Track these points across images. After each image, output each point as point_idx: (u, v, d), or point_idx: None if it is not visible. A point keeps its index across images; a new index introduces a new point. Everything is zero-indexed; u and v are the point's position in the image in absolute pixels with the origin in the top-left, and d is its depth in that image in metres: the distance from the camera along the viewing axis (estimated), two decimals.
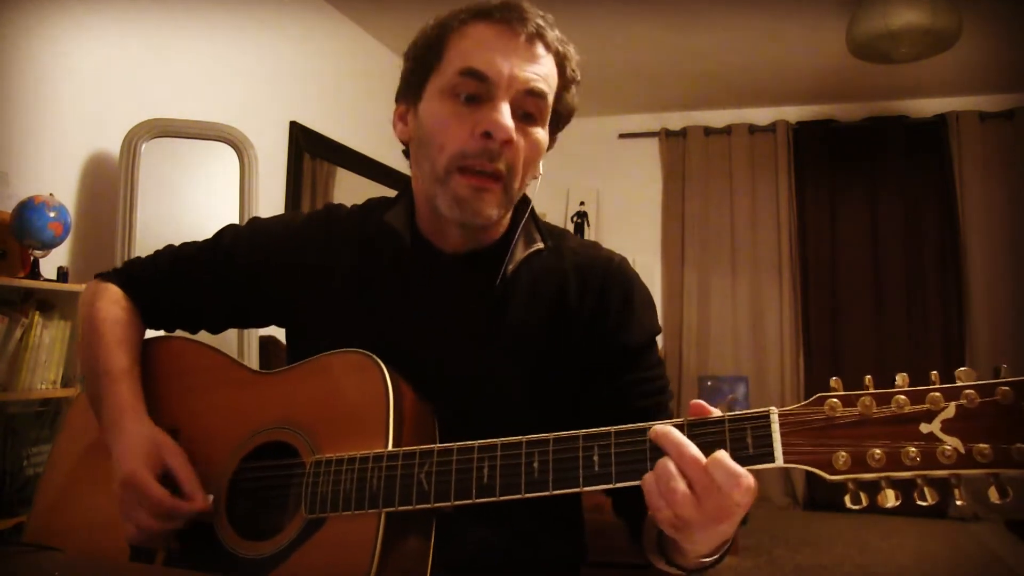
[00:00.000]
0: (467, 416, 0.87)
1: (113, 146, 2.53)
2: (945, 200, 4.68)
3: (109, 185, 2.52)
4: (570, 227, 5.18)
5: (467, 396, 0.91)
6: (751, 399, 4.75)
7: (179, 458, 0.91)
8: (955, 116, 4.67)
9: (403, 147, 1.00)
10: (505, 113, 0.87)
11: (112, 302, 1.05)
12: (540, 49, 0.90)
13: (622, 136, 5.29)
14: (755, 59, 4.26)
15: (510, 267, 0.95)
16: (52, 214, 2.17)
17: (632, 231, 5.18)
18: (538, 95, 0.90)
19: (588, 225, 5.24)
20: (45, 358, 2.16)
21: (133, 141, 2.51)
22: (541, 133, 0.92)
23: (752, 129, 5.05)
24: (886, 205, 4.81)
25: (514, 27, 0.89)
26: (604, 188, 5.29)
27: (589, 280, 0.98)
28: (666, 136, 5.19)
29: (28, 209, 2.14)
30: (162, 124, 2.59)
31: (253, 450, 0.91)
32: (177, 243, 1.12)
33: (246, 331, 2.72)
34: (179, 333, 1.12)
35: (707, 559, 0.80)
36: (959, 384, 0.63)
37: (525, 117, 0.90)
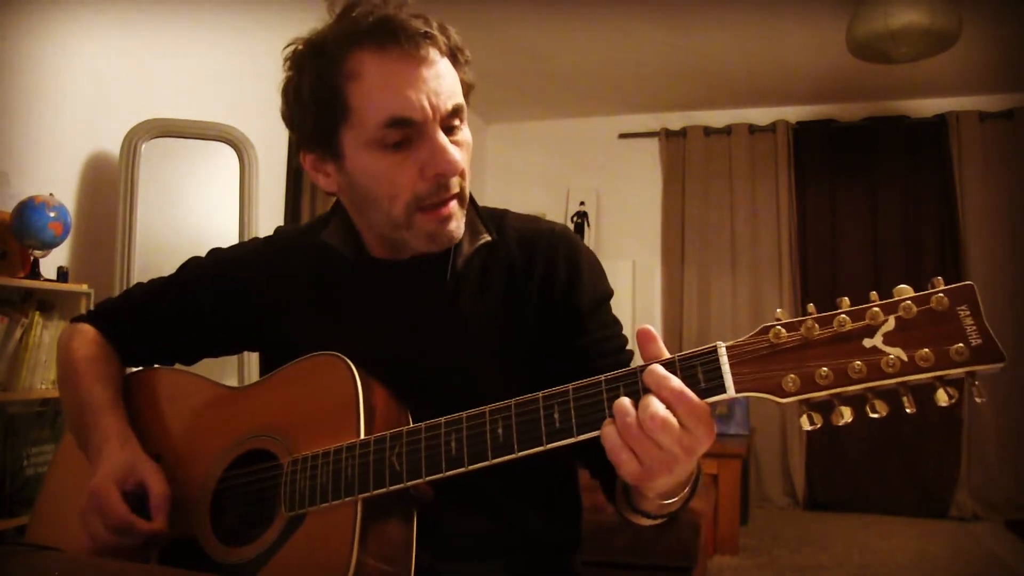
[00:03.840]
0: (439, 410, 0.88)
1: (113, 146, 2.53)
2: (945, 200, 4.68)
3: (109, 185, 2.52)
4: (570, 227, 5.18)
5: (437, 394, 0.91)
6: (750, 399, 4.75)
7: (155, 476, 0.91)
8: (955, 116, 4.67)
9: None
10: (449, 148, 0.86)
11: (88, 342, 1.07)
12: (434, 55, 0.87)
13: (622, 136, 5.29)
14: (755, 59, 4.26)
15: (459, 261, 0.96)
16: (52, 214, 2.17)
17: (632, 231, 5.18)
18: (459, 109, 0.89)
19: (588, 225, 5.24)
20: (45, 358, 2.16)
21: (133, 141, 2.51)
22: (467, 132, 0.92)
23: (752, 129, 5.05)
24: (886, 205, 4.80)
25: (407, 50, 0.84)
26: (604, 188, 5.29)
27: (534, 252, 0.98)
28: (666, 136, 5.19)
29: (28, 209, 2.14)
30: (162, 124, 2.59)
31: (234, 461, 0.92)
32: (170, 252, 1.14)
33: None
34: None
35: (669, 500, 0.82)
36: (897, 299, 0.65)
37: (450, 130, 0.89)
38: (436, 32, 0.88)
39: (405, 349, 0.94)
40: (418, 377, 0.92)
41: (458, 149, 0.88)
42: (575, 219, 5.25)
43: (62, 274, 2.28)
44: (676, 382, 0.68)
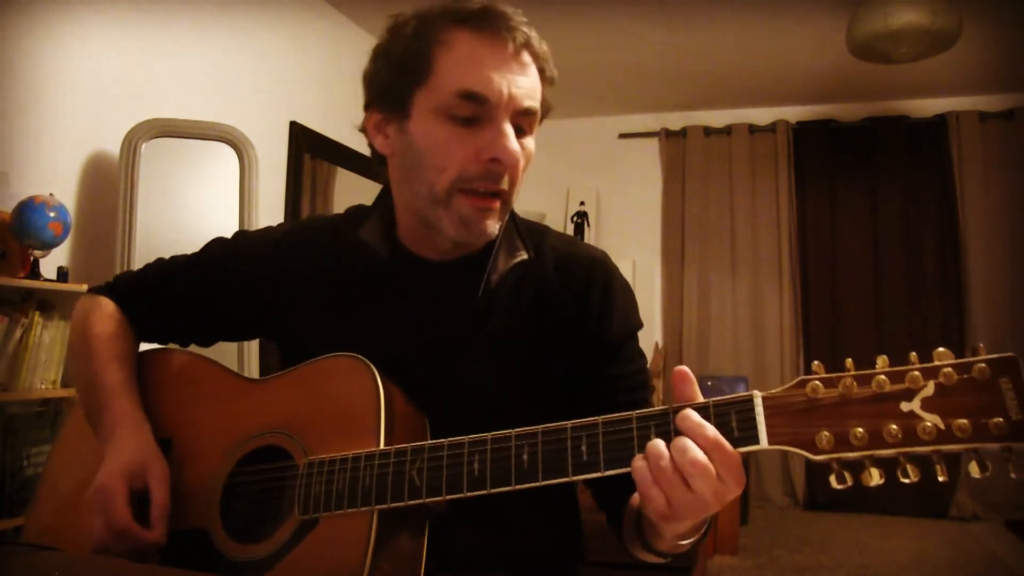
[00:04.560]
0: (455, 423, 0.87)
1: (113, 146, 2.53)
2: (945, 200, 4.68)
3: (109, 185, 2.52)
4: (570, 227, 5.18)
5: (453, 404, 0.91)
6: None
7: (160, 483, 0.90)
8: (955, 116, 4.67)
9: (375, 156, 0.98)
10: (511, 137, 0.87)
11: (105, 316, 1.06)
12: (527, 57, 0.89)
13: (622, 136, 5.29)
14: (755, 59, 4.26)
15: (493, 277, 0.95)
16: (52, 214, 2.17)
17: (632, 231, 5.18)
18: (532, 113, 0.90)
19: (588, 225, 5.24)
20: (45, 358, 2.16)
21: (133, 141, 2.51)
22: (532, 143, 0.92)
23: (752, 129, 5.05)
24: (886, 205, 4.81)
25: (503, 38, 0.87)
26: (604, 188, 5.29)
27: (570, 278, 0.98)
28: (666, 136, 5.19)
29: (28, 209, 2.14)
30: (162, 124, 2.59)
31: (247, 455, 0.91)
32: (170, 252, 1.12)
33: None
34: (171, 345, 1.12)
35: (684, 541, 0.81)
36: (937, 363, 0.64)
37: (518, 131, 0.89)
38: (535, 41, 0.90)
39: (428, 356, 0.94)
40: (438, 386, 0.91)
41: (519, 150, 0.88)
42: (575, 219, 5.25)
43: (62, 274, 2.28)
44: (712, 431, 0.68)
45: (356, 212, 1.05)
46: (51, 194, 2.21)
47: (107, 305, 1.07)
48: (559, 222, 5.16)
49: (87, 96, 2.50)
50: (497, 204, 0.90)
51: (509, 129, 0.87)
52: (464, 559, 0.90)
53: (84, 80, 2.49)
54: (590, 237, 5.19)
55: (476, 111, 0.86)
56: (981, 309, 4.54)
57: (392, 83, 0.91)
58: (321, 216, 1.09)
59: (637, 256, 5.09)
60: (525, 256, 0.97)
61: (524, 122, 0.90)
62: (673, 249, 5.11)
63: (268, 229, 1.10)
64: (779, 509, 4.64)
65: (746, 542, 3.75)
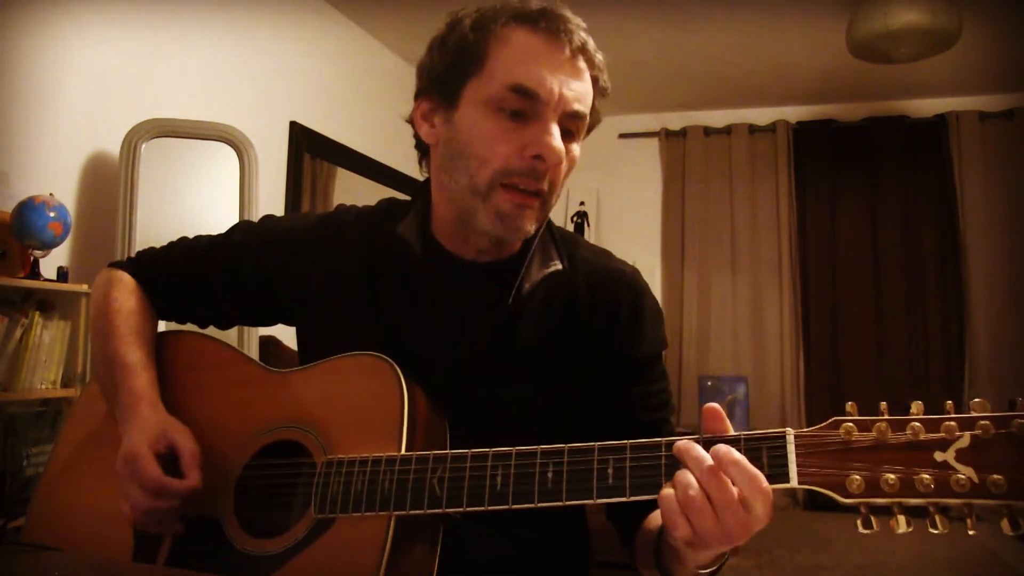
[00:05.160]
0: (476, 427, 0.87)
1: (113, 146, 2.53)
2: (945, 200, 4.68)
3: (109, 185, 2.52)
4: (570, 227, 5.18)
5: (476, 408, 0.90)
6: (750, 399, 4.75)
7: (185, 435, 0.90)
8: (955, 116, 4.67)
9: (419, 146, 0.98)
10: (557, 136, 0.86)
11: (127, 292, 1.05)
12: (582, 63, 0.89)
13: (622, 136, 5.29)
14: (755, 59, 4.26)
15: (526, 285, 0.94)
16: (52, 214, 2.17)
17: (632, 231, 5.18)
18: (580, 117, 0.89)
19: (588, 225, 5.24)
20: (45, 358, 2.16)
21: (133, 141, 2.51)
22: (578, 150, 0.92)
23: (752, 129, 5.05)
24: (886, 205, 4.81)
25: (560, 39, 0.87)
26: (604, 188, 5.29)
27: (600, 293, 0.97)
28: (666, 136, 5.19)
29: (28, 209, 2.14)
30: (162, 124, 2.59)
31: (263, 447, 0.91)
32: (191, 235, 1.11)
33: (247, 330, 2.72)
34: (190, 327, 1.12)
35: (705, 570, 0.80)
36: (974, 415, 0.63)
37: (566, 134, 0.89)
38: (591, 48, 0.90)
39: (453, 358, 0.93)
40: (460, 389, 0.91)
41: (564, 151, 0.88)
42: (575, 219, 5.25)
43: (62, 274, 2.28)
44: (749, 467, 0.66)
45: (391, 206, 1.05)
46: (51, 194, 2.21)
47: (128, 281, 1.07)
48: (559, 222, 5.11)
49: (87, 96, 2.50)
50: (536, 203, 0.89)
51: (556, 129, 0.87)
52: (475, 567, 0.89)
53: (84, 80, 2.49)
54: (590, 237, 5.19)
55: (525, 106, 0.86)
56: (981, 309, 4.54)
57: (445, 73, 0.91)
58: (353, 207, 1.08)
59: (637, 256, 5.08)
60: (560, 267, 0.96)
61: (572, 126, 0.89)
62: (673, 249, 5.11)
63: (297, 216, 1.10)
64: (779, 509, 4.60)
65: (746, 542, 3.75)
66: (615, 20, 3.78)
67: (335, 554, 0.80)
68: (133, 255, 1.13)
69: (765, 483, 0.66)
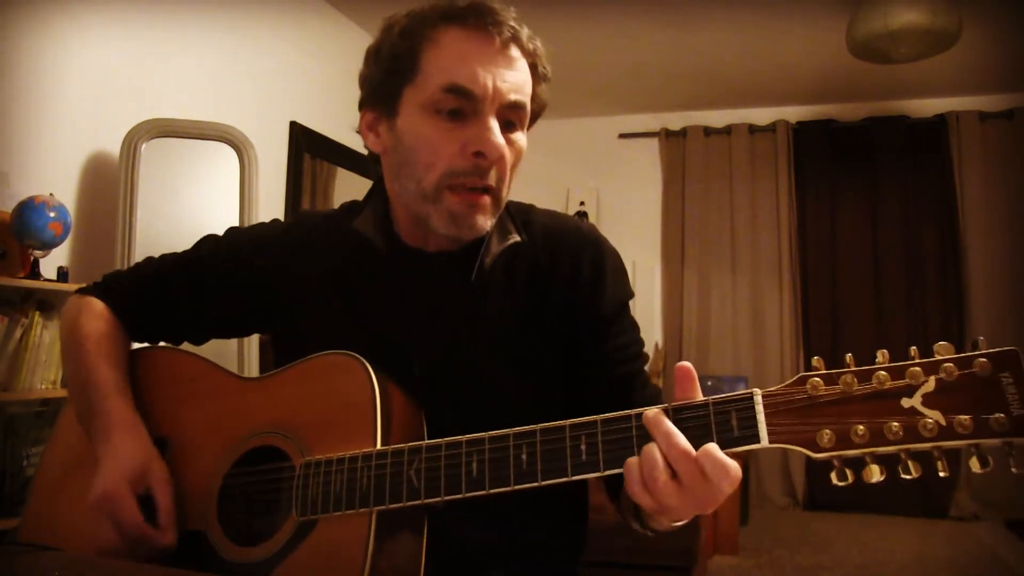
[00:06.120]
0: (457, 409, 0.87)
1: (113, 146, 2.53)
2: (945, 200, 4.68)
3: (109, 185, 2.52)
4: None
5: (456, 390, 0.91)
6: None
7: (164, 487, 0.90)
8: (955, 116, 4.67)
9: (371, 156, 0.99)
10: (495, 131, 0.87)
11: (97, 316, 1.05)
12: (515, 52, 0.89)
13: (622, 136, 5.29)
14: (755, 59, 4.26)
15: (487, 260, 0.95)
16: (52, 214, 2.17)
17: (632, 231, 5.18)
18: (520, 107, 0.90)
19: None
20: (45, 358, 2.16)
21: (133, 141, 2.51)
22: (522, 138, 0.93)
23: (752, 129, 5.05)
24: (886, 205, 4.80)
25: (489, 32, 0.87)
26: (604, 188, 5.29)
27: (559, 251, 0.98)
28: (666, 136, 5.19)
29: (28, 209, 2.15)
30: (162, 124, 2.59)
31: (243, 455, 0.91)
32: (160, 252, 1.11)
33: None
34: (163, 344, 1.12)
35: (679, 523, 0.81)
36: (938, 358, 0.64)
37: (507, 125, 0.90)
38: (524, 36, 0.90)
39: (424, 343, 0.94)
40: (435, 373, 0.92)
41: (506, 145, 0.88)
42: None
43: (62, 274, 2.28)
44: (719, 455, 0.67)
45: (350, 207, 1.05)
46: (51, 194, 2.21)
47: (96, 305, 1.07)
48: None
49: (87, 96, 2.50)
50: (487, 200, 0.90)
51: (494, 123, 0.87)
52: (466, 557, 0.90)
53: (84, 80, 2.49)
54: None
55: (461, 104, 0.87)
56: (981, 309, 4.54)
57: (382, 82, 0.92)
58: (315, 211, 1.09)
59: (637, 256, 5.08)
60: (517, 238, 0.97)
61: (513, 116, 0.90)
62: (673, 249, 5.11)
63: (261, 226, 1.10)
64: (779, 509, 4.64)
65: (746, 542, 3.75)
66: (615, 20, 3.78)
67: (320, 554, 0.80)
68: (100, 279, 1.13)
69: (737, 471, 0.68)
